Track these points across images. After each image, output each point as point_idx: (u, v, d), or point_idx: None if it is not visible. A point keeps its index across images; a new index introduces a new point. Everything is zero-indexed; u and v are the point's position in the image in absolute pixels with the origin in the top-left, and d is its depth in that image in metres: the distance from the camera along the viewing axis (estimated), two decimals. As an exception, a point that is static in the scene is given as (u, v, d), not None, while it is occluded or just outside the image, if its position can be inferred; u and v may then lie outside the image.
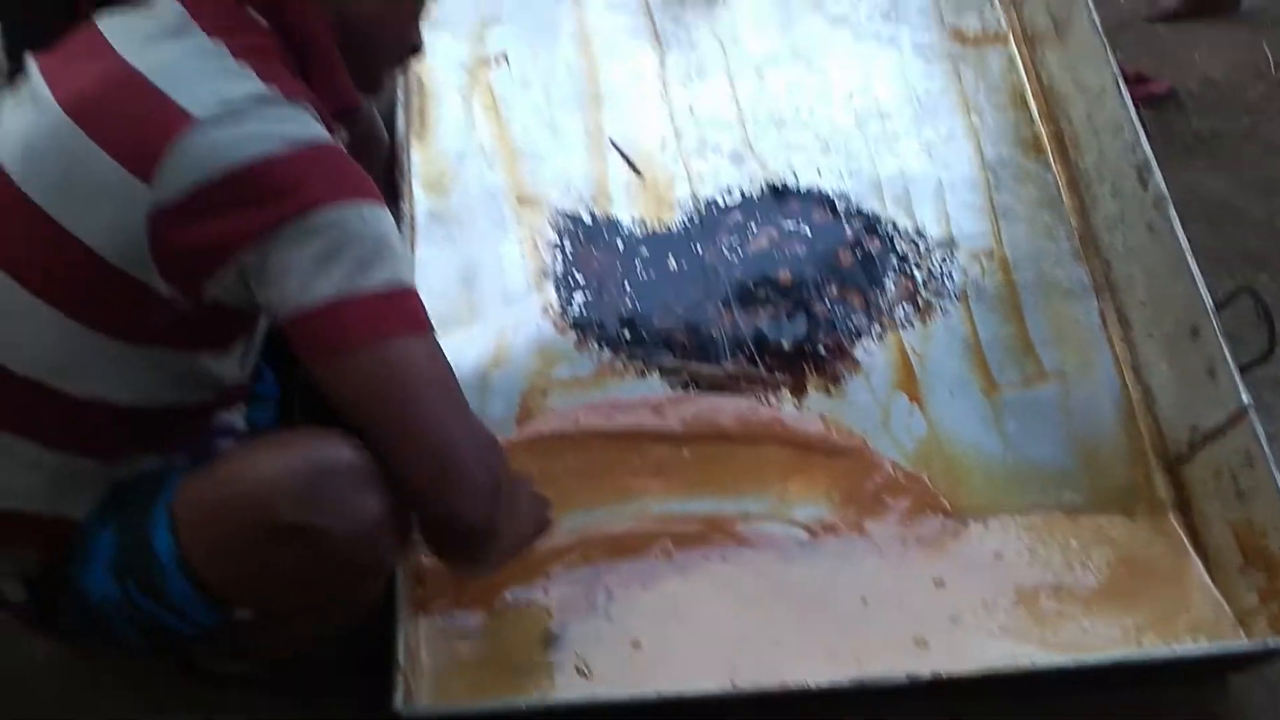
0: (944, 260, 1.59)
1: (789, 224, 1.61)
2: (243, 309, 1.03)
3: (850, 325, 1.52)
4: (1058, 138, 1.72)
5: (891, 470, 1.40)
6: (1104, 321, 1.55)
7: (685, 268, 1.56)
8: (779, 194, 1.64)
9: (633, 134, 1.68)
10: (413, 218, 1.54)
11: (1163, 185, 1.51)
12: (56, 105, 0.99)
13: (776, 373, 1.47)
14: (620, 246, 1.58)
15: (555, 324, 1.50)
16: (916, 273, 1.57)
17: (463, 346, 1.42)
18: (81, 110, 0.97)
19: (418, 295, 1.01)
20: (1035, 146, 1.72)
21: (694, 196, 1.63)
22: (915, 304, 1.55)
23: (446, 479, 0.98)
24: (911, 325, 1.53)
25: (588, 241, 1.58)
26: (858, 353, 1.50)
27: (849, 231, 1.60)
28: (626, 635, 1.26)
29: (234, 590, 1.02)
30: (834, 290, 1.54)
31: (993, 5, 1.87)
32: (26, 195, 0.98)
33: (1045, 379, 1.49)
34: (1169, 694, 1.30)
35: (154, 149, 0.94)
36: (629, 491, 1.37)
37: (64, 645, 1.20)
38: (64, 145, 0.97)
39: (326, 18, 1.05)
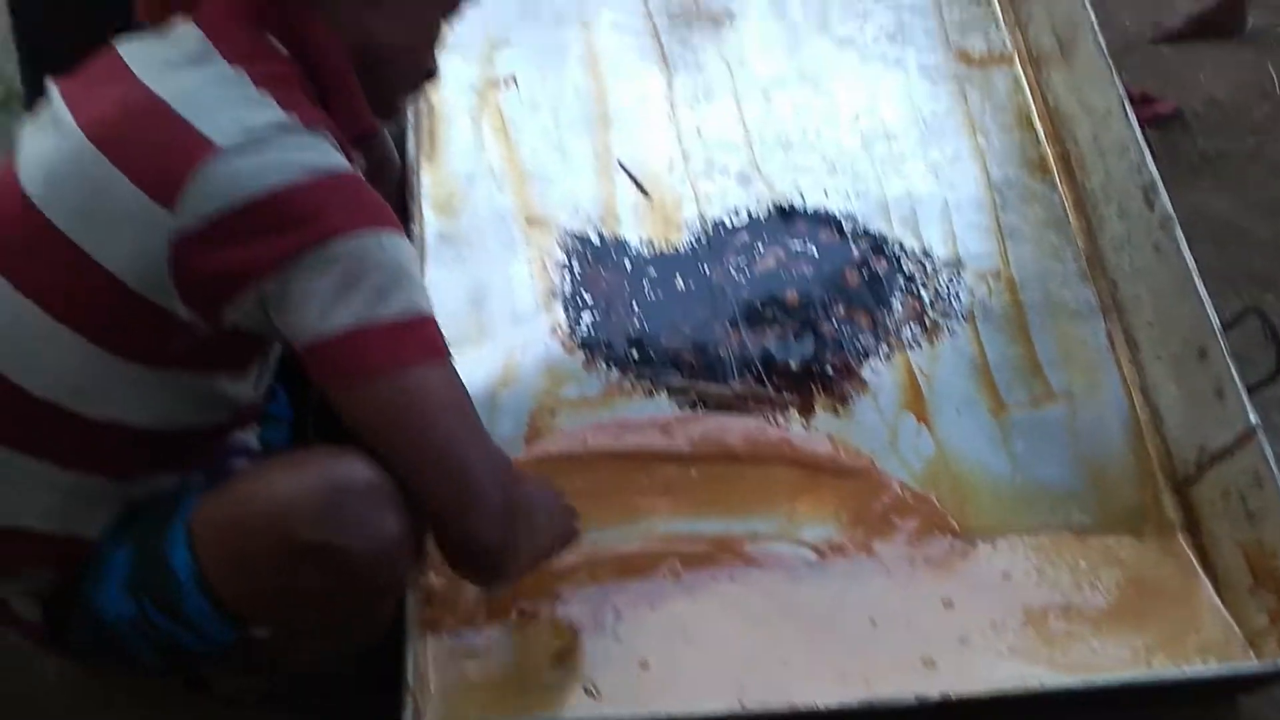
0: (951, 280, 1.59)
1: (796, 244, 1.62)
2: (260, 333, 1.04)
3: (858, 345, 1.52)
4: (1064, 158, 1.73)
5: (899, 490, 1.41)
6: (1111, 342, 1.55)
7: (693, 288, 1.57)
8: (786, 215, 1.65)
9: (640, 155, 1.69)
10: (422, 239, 1.55)
11: (1169, 206, 1.51)
12: (79, 130, 1.00)
13: (784, 393, 1.48)
14: (628, 267, 1.58)
15: (563, 344, 1.51)
16: (923, 293, 1.58)
17: (472, 366, 1.41)
18: (104, 136, 0.98)
19: (435, 322, 1.02)
20: (1041, 167, 1.72)
21: (701, 217, 1.64)
22: (922, 324, 1.55)
23: (463, 502, 0.99)
24: (919, 345, 1.53)
25: (596, 262, 1.59)
26: (865, 373, 1.50)
27: (856, 252, 1.61)
28: (635, 655, 1.26)
29: (251, 608, 1.03)
30: (841, 310, 1.55)
31: (998, 27, 1.88)
32: (49, 220, 0.99)
33: (1053, 399, 1.50)
34: (1178, 715, 1.30)
35: (177, 176, 0.95)
36: (637, 511, 1.37)
37: (75, 664, 1.20)
38: (86, 171, 0.98)
39: (345, 45, 1.06)
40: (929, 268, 1.60)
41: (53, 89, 1.07)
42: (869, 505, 1.39)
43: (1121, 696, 1.24)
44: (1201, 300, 1.43)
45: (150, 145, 0.97)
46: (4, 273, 1.01)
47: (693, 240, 1.62)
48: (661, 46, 1.83)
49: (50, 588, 1.10)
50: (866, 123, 1.75)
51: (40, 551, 1.07)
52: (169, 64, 1.01)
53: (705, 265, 1.59)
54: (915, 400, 1.48)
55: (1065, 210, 1.68)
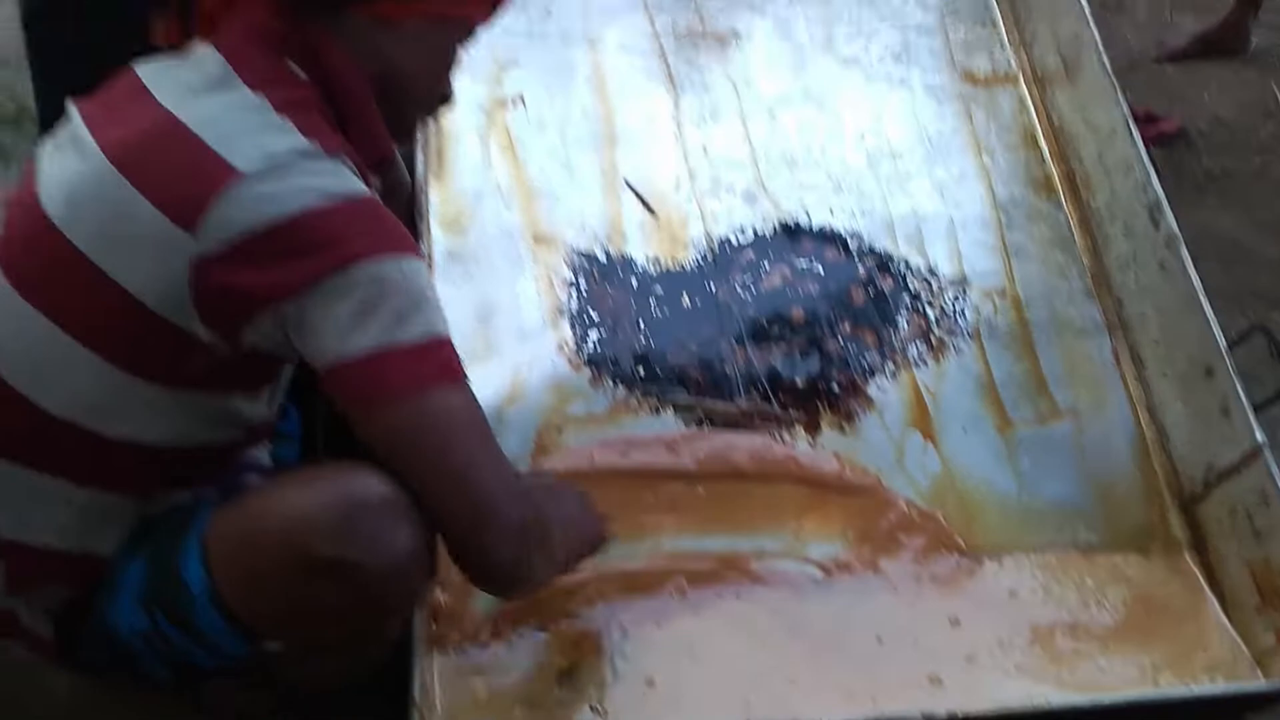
0: (956, 298, 1.60)
1: (802, 262, 1.62)
2: (278, 354, 1.04)
3: (863, 363, 1.52)
4: (1069, 177, 1.74)
5: (906, 508, 1.41)
6: (1117, 360, 1.55)
7: (699, 306, 1.57)
8: (792, 233, 1.65)
9: (647, 174, 1.70)
10: (430, 256, 1.56)
11: (1174, 225, 1.52)
12: (100, 153, 1.01)
13: (790, 410, 1.48)
14: (634, 284, 1.59)
15: (570, 361, 1.51)
16: (929, 311, 1.58)
17: (479, 383, 1.38)
18: (126, 159, 0.99)
19: (452, 345, 1.03)
20: (1047, 186, 1.73)
21: (707, 235, 1.64)
22: (928, 342, 1.55)
23: (479, 522, 1.01)
24: (925, 363, 1.53)
25: (602, 279, 1.59)
26: (871, 390, 1.50)
27: (861, 270, 1.61)
28: (640, 673, 1.25)
29: (265, 622, 1.03)
30: (847, 328, 1.55)
31: (1003, 47, 1.89)
32: (69, 241, 1.00)
33: (1059, 417, 1.50)
34: (1187, 734, 1.30)
35: (199, 201, 0.96)
36: (643, 529, 1.37)
37: (85, 679, 1.21)
38: (108, 193, 0.99)
39: (364, 71, 1.08)
40: (935, 286, 1.61)
41: (72, 110, 1.08)
42: (875, 523, 1.39)
43: (1129, 715, 1.23)
44: (1207, 318, 1.43)
45: (172, 169, 0.98)
46: (23, 293, 1.02)
47: (699, 258, 1.62)
48: (668, 66, 1.84)
49: (62, 602, 1.10)
50: (872, 141, 1.76)
51: (54, 568, 1.08)
52: (190, 89, 1.02)
53: (711, 283, 1.59)
54: (921, 418, 1.48)
55: (1070, 229, 1.68)
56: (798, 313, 1.56)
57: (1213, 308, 1.44)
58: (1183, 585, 1.37)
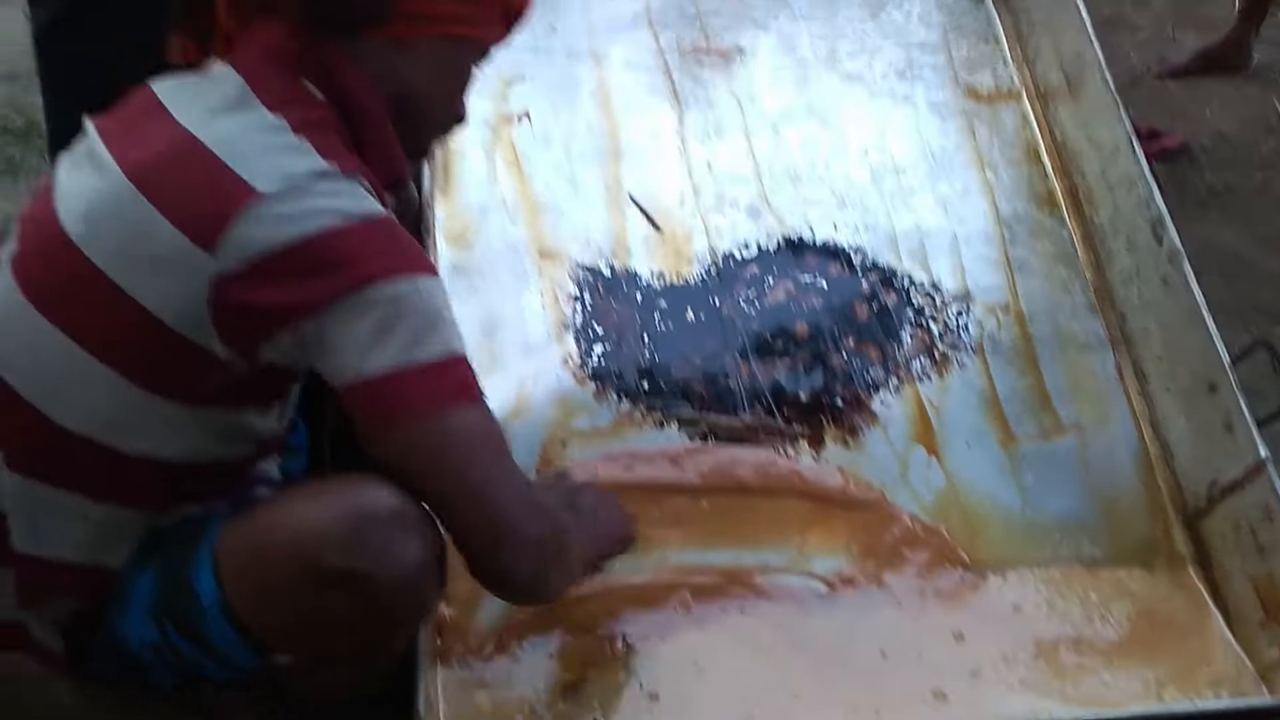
0: (960, 313, 1.60)
1: (806, 277, 1.63)
2: (295, 370, 1.05)
3: (867, 377, 1.53)
4: (1072, 193, 1.74)
5: (910, 523, 1.41)
6: (1120, 375, 1.56)
7: (703, 320, 1.58)
8: (796, 248, 1.66)
9: (652, 189, 1.71)
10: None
11: (1177, 240, 1.52)
12: (120, 171, 1.01)
13: (794, 424, 1.48)
14: (639, 299, 1.60)
15: (575, 375, 1.51)
16: (933, 326, 1.59)
17: None
18: (145, 179, 1.00)
19: (468, 362, 1.04)
20: (1050, 201, 1.73)
21: (712, 250, 1.65)
22: (932, 357, 1.56)
23: (497, 538, 1.02)
24: (928, 378, 1.54)
25: (607, 294, 1.60)
26: (875, 405, 1.51)
27: (865, 285, 1.62)
28: (645, 687, 1.25)
29: (276, 634, 1.04)
30: (851, 343, 1.56)
31: (1006, 63, 1.90)
32: (88, 258, 1.01)
33: (1062, 432, 1.50)
34: (1191, 749, 1.29)
35: (218, 221, 0.97)
36: (648, 543, 1.37)
37: (92, 690, 1.21)
38: (127, 212, 1.00)
39: (381, 92, 1.08)
40: (938, 300, 1.61)
41: (90, 127, 1.08)
42: (879, 537, 1.39)
43: (1133, 730, 1.23)
44: (1210, 333, 1.43)
45: (192, 189, 0.99)
46: (40, 308, 1.03)
47: (703, 273, 1.63)
48: (673, 82, 1.85)
49: (71, 614, 1.11)
50: (876, 157, 1.77)
51: (66, 581, 1.09)
52: (209, 108, 1.03)
53: (716, 297, 1.60)
54: (925, 432, 1.49)
55: (1074, 244, 1.69)
56: (801, 327, 1.57)
57: (1215, 323, 1.44)
58: (1187, 600, 1.37)
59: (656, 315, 1.58)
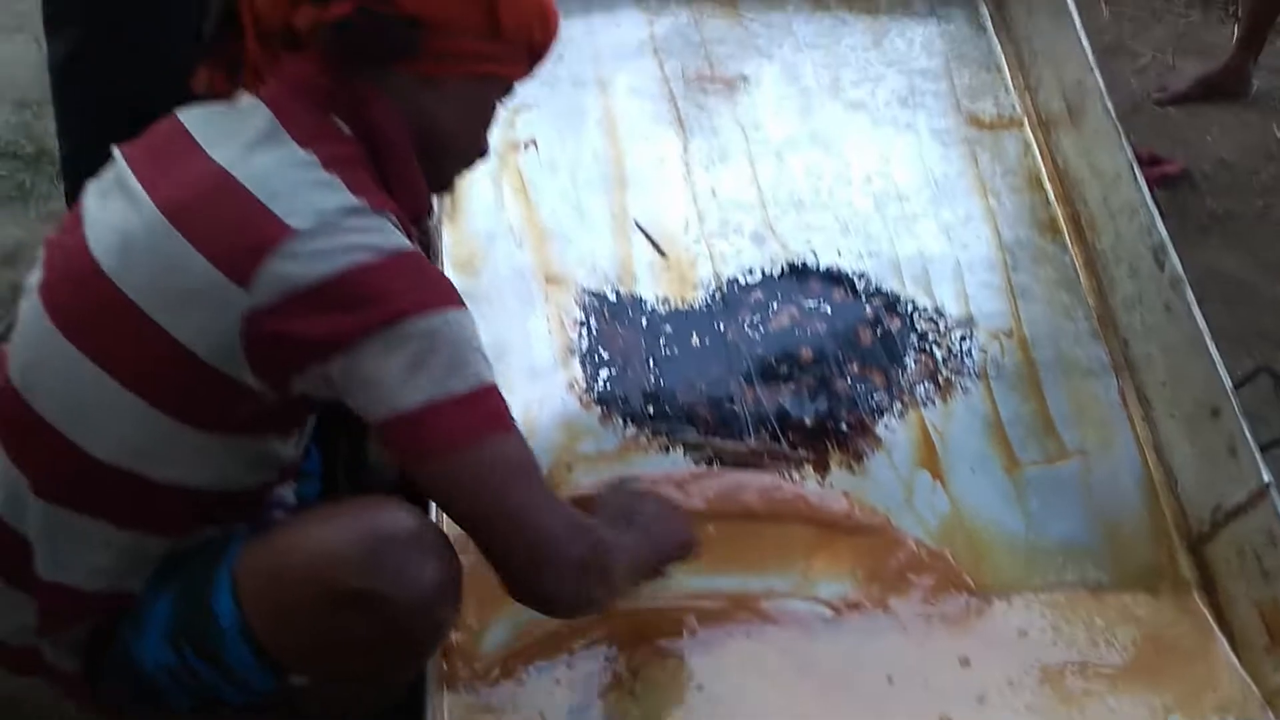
0: (963, 339, 1.61)
1: (810, 303, 1.64)
2: (325, 400, 1.06)
3: (872, 403, 1.54)
4: (1074, 220, 1.75)
5: (915, 548, 1.41)
6: (1124, 400, 1.56)
7: (708, 345, 1.59)
8: (800, 273, 1.67)
9: (657, 216, 1.72)
10: (443, 296, 1.58)
11: (1179, 267, 1.53)
12: (153, 205, 1.02)
13: (799, 449, 1.49)
14: (644, 324, 1.60)
15: (580, 400, 1.52)
16: (937, 351, 1.59)
17: None
18: (179, 213, 1.01)
19: (499, 392, 1.05)
20: (1052, 228, 1.75)
21: (716, 276, 1.66)
22: (936, 382, 1.57)
23: (540, 560, 1.03)
24: (933, 403, 1.54)
25: (613, 319, 1.61)
26: (880, 430, 1.51)
27: (869, 310, 1.63)
28: (651, 712, 1.25)
29: (294, 656, 1.04)
30: (855, 368, 1.56)
31: (1008, 91, 1.92)
32: (120, 289, 1.01)
33: (1066, 457, 1.50)
34: (1198, 775, 1.29)
35: (252, 256, 0.98)
36: (653, 567, 1.38)
37: (104, 714, 1.21)
38: (160, 246, 1.01)
39: (408, 128, 1.10)
40: (942, 326, 1.62)
41: (119, 157, 1.09)
42: (885, 562, 1.39)
43: (1140, 756, 1.23)
44: (1213, 359, 1.44)
45: (226, 225, 1.00)
46: (70, 336, 1.04)
47: (708, 298, 1.64)
48: (677, 110, 1.87)
49: (86, 638, 1.11)
50: (879, 184, 1.79)
51: (88, 607, 1.09)
52: (241, 143, 1.04)
53: (720, 323, 1.61)
54: (930, 457, 1.49)
55: (1076, 270, 1.70)
56: (806, 352, 1.57)
57: (1218, 348, 1.45)
58: (1192, 625, 1.38)
59: (662, 340, 1.59)
